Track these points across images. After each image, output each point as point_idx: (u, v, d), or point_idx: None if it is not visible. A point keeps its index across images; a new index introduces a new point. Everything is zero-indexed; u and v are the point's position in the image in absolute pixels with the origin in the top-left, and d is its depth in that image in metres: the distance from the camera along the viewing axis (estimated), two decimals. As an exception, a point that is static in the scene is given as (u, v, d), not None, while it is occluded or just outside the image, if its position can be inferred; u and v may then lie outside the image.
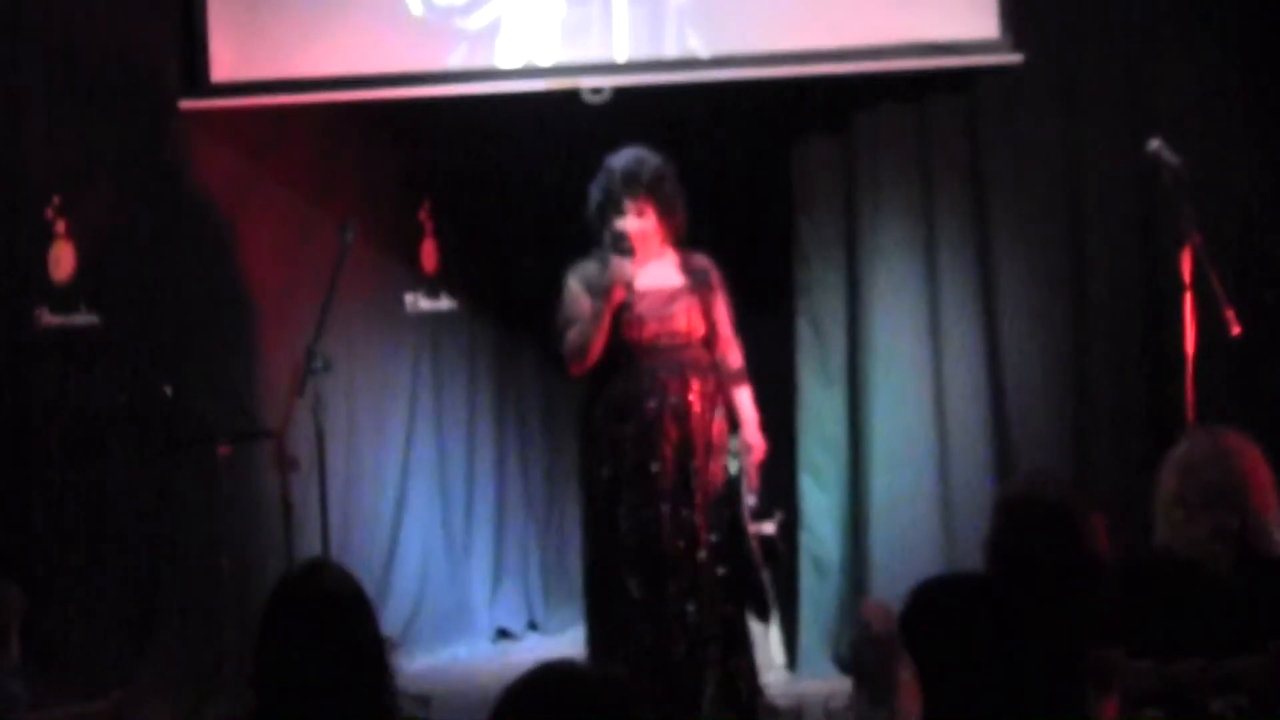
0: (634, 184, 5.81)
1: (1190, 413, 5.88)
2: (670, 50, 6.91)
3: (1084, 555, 3.38)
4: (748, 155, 7.65)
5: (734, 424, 5.94)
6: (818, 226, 7.13)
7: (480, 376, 8.09)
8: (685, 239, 5.99)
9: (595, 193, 5.88)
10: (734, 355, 5.99)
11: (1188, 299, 5.93)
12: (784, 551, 5.99)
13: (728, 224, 7.41)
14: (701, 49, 6.89)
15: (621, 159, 5.87)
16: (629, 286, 5.80)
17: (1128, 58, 6.94)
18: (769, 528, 5.85)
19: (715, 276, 5.96)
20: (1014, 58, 6.84)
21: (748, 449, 5.90)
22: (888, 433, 7.00)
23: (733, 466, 5.89)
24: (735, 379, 5.98)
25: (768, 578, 5.91)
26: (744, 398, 5.98)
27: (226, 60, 6.96)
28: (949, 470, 6.98)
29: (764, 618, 6.02)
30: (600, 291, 5.81)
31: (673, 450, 5.79)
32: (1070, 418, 7.00)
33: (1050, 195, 7.01)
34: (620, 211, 5.83)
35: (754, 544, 5.81)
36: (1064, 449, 6.95)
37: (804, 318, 7.10)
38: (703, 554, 5.77)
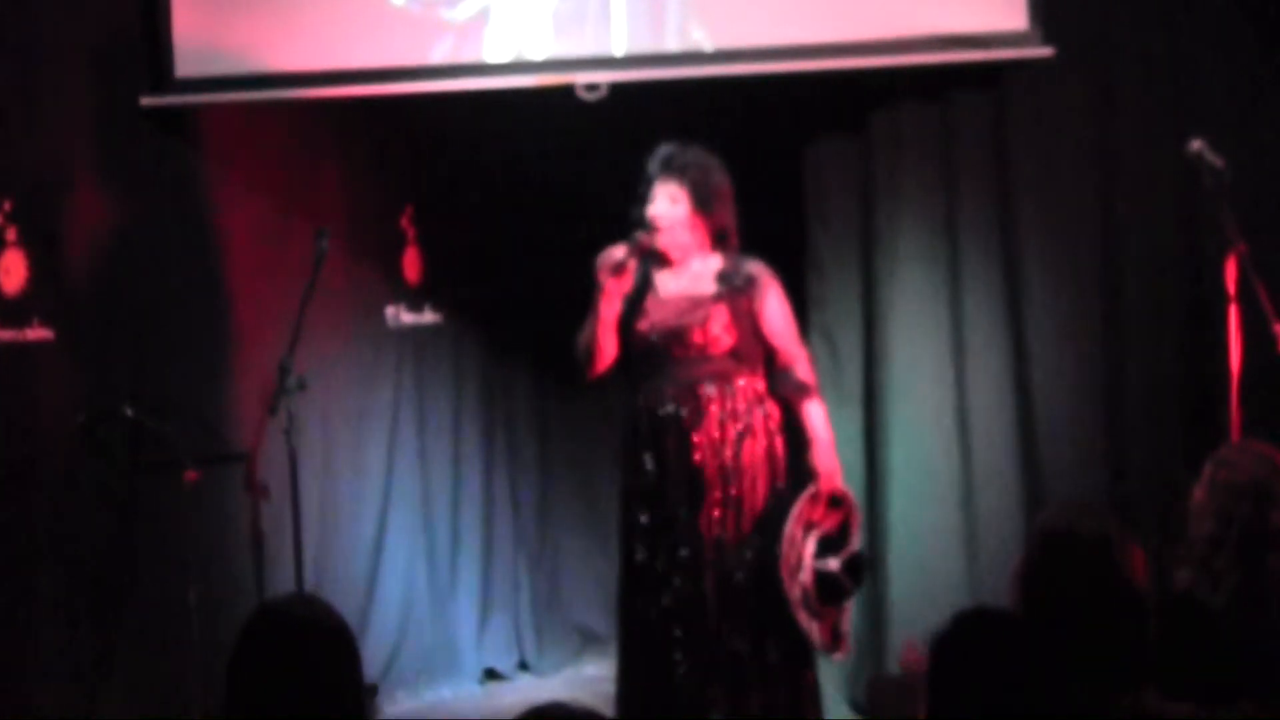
0: (666, 165, 5.82)
1: (1235, 436, 5.84)
2: (672, 43, 6.89)
3: (1124, 591, 3.37)
4: (756, 157, 7.59)
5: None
6: (832, 234, 7.13)
7: (467, 395, 8.05)
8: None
9: (640, 189, 5.88)
10: (799, 367, 5.88)
11: (1232, 312, 5.91)
12: (850, 588, 5.79)
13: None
14: (706, 42, 6.86)
15: (664, 146, 5.88)
16: (650, 286, 5.81)
17: (1168, 52, 6.93)
18: (833, 564, 5.71)
19: (764, 281, 5.86)
20: (1044, 51, 6.82)
21: (814, 475, 5.78)
22: (906, 457, 6.97)
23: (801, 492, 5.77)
24: (800, 394, 5.86)
25: (844, 616, 5.82)
26: (812, 415, 5.84)
27: (192, 54, 6.90)
28: (973, 499, 6.96)
29: (806, 659, 5.85)
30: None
31: (680, 472, 5.75)
32: (1104, 442, 6.97)
33: (1083, 201, 7.00)
34: (651, 196, 5.83)
35: (808, 579, 5.68)
36: (1097, 475, 6.93)
37: (817, 332, 7.06)
38: (706, 583, 5.71)
